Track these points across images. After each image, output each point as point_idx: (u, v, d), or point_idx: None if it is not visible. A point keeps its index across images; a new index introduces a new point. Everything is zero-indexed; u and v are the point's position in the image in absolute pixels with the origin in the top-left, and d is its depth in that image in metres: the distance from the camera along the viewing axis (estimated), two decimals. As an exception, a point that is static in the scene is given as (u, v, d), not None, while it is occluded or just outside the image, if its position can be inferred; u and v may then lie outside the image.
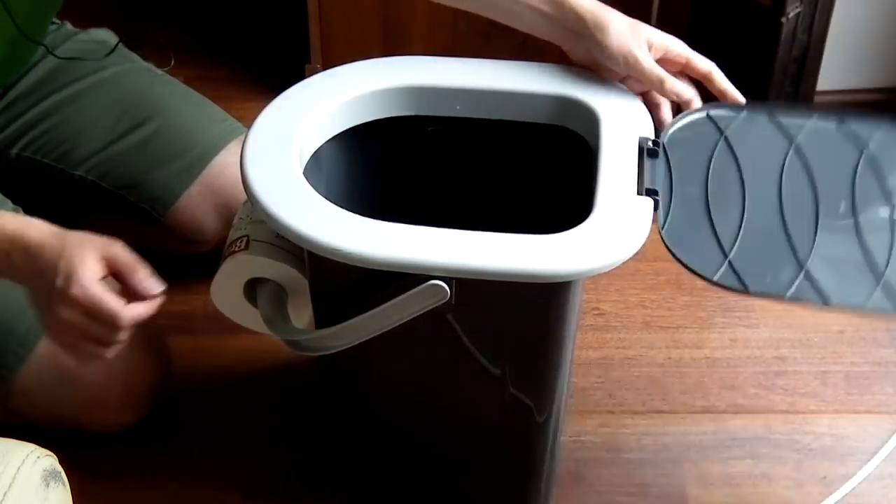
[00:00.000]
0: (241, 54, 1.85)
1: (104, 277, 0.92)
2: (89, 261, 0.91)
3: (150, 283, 0.93)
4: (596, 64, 1.02)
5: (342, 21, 1.54)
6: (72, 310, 0.90)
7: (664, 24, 1.55)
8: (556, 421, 1.06)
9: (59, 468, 0.78)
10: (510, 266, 0.87)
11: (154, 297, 0.93)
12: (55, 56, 1.30)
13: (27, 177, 1.29)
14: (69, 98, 1.30)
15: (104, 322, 0.91)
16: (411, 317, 0.91)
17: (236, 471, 1.19)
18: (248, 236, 1.02)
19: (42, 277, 0.91)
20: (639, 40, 1.00)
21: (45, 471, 0.76)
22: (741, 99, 1.01)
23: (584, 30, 1.01)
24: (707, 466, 1.19)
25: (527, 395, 1.01)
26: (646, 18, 1.55)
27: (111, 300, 0.91)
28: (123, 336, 0.93)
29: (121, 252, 0.93)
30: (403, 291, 0.89)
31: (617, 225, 0.91)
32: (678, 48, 1.02)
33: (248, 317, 1.08)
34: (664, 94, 1.00)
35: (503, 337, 0.96)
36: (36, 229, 0.93)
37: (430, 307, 0.90)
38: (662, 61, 1.02)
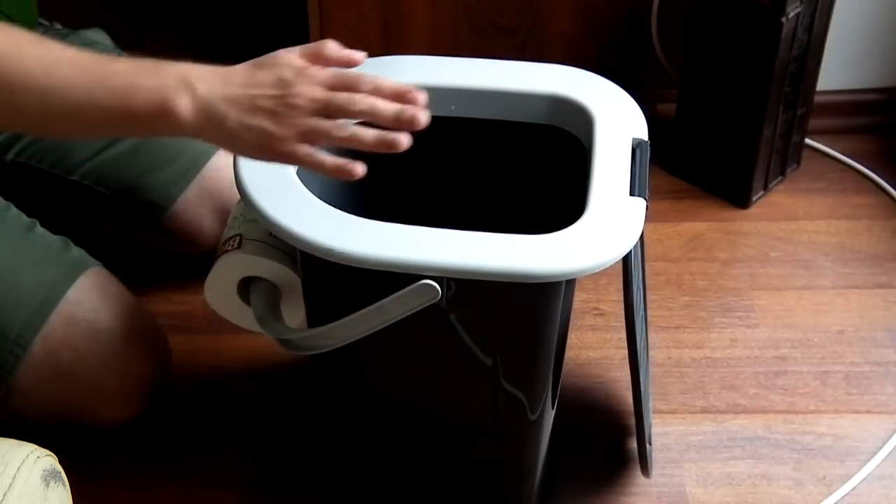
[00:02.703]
0: (240, 54, 1.84)
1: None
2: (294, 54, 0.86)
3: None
4: None
5: (342, 21, 1.54)
6: (314, 88, 0.83)
7: (664, 24, 1.56)
8: (549, 419, 1.06)
9: (59, 468, 0.78)
10: (502, 266, 0.88)
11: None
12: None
13: (24, 182, 1.29)
14: None
15: (351, 85, 0.84)
16: (403, 316, 0.91)
17: (236, 471, 1.19)
18: (241, 235, 1.03)
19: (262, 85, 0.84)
20: None
21: (45, 471, 0.76)
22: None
23: None
24: (707, 466, 1.19)
25: (520, 394, 1.01)
26: (646, 18, 1.55)
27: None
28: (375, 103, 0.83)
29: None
30: (396, 291, 0.89)
31: (609, 225, 0.91)
32: None
33: (242, 315, 1.08)
34: None
35: (496, 335, 0.96)
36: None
37: (422, 306, 0.90)
38: None
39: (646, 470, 1.14)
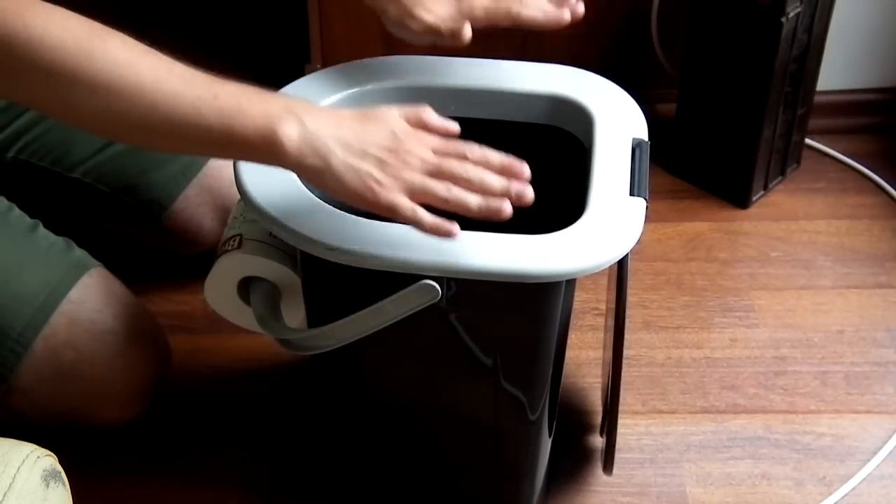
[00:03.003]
0: (241, 54, 1.85)
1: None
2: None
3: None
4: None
5: (342, 21, 1.54)
6: (426, 150, 0.86)
7: (664, 24, 1.56)
8: (549, 420, 1.06)
9: (59, 468, 0.78)
10: (502, 266, 0.88)
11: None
12: None
13: (26, 180, 1.29)
14: None
15: (461, 153, 0.86)
16: (403, 316, 0.91)
17: (236, 471, 1.19)
18: (241, 235, 1.03)
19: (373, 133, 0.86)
20: (419, 7, 0.99)
21: (45, 471, 0.75)
22: (563, 15, 0.98)
23: None
24: (707, 466, 1.19)
25: (520, 394, 1.01)
26: (646, 18, 1.55)
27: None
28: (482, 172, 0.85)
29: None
30: (396, 291, 0.89)
31: (609, 225, 0.91)
32: (466, 10, 1.00)
33: (242, 315, 1.08)
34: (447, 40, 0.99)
35: (497, 335, 0.96)
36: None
37: (422, 306, 0.90)
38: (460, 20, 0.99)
39: (609, 468, 1.14)
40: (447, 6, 1.00)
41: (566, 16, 1.00)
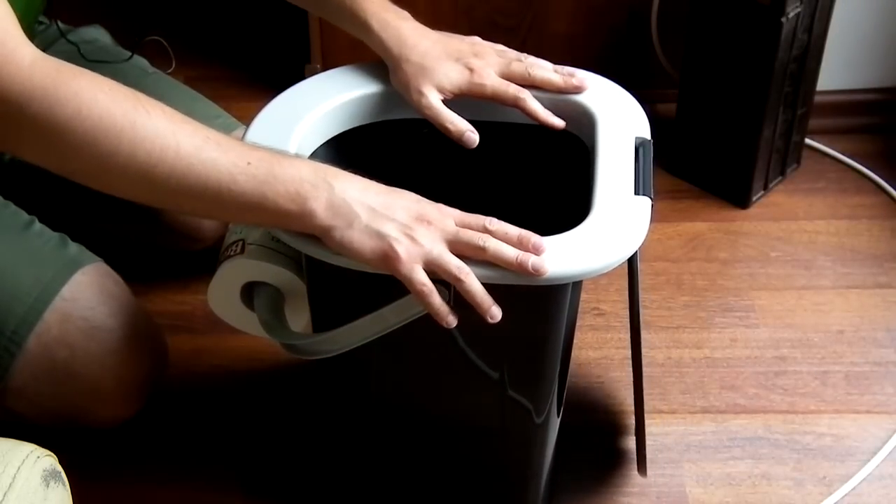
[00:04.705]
0: (241, 54, 1.85)
1: None
2: None
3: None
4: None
5: (342, 21, 1.54)
6: (449, 220, 0.89)
7: (664, 24, 1.56)
8: (555, 422, 1.06)
9: (59, 468, 0.78)
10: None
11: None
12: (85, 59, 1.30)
13: (23, 179, 1.29)
14: None
15: (481, 226, 0.89)
16: (410, 319, 0.90)
17: (236, 471, 1.19)
18: (243, 240, 1.02)
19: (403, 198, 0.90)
20: (427, 81, 1.02)
21: (45, 471, 0.75)
22: (555, 122, 1.02)
23: (388, 58, 1.04)
24: (707, 466, 1.19)
25: (526, 397, 1.01)
26: (646, 18, 1.55)
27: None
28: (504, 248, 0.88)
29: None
30: (402, 294, 0.89)
31: (615, 225, 0.91)
32: (476, 88, 1.02)
33: (246, 321, 1.07)
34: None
35: (503, 339, 0.95)
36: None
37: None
38: (469, 94, 1.02)
39: (643, 469, 1.14)
40: (458, 78, 1.02)
41: (561, 123, 1.03)
